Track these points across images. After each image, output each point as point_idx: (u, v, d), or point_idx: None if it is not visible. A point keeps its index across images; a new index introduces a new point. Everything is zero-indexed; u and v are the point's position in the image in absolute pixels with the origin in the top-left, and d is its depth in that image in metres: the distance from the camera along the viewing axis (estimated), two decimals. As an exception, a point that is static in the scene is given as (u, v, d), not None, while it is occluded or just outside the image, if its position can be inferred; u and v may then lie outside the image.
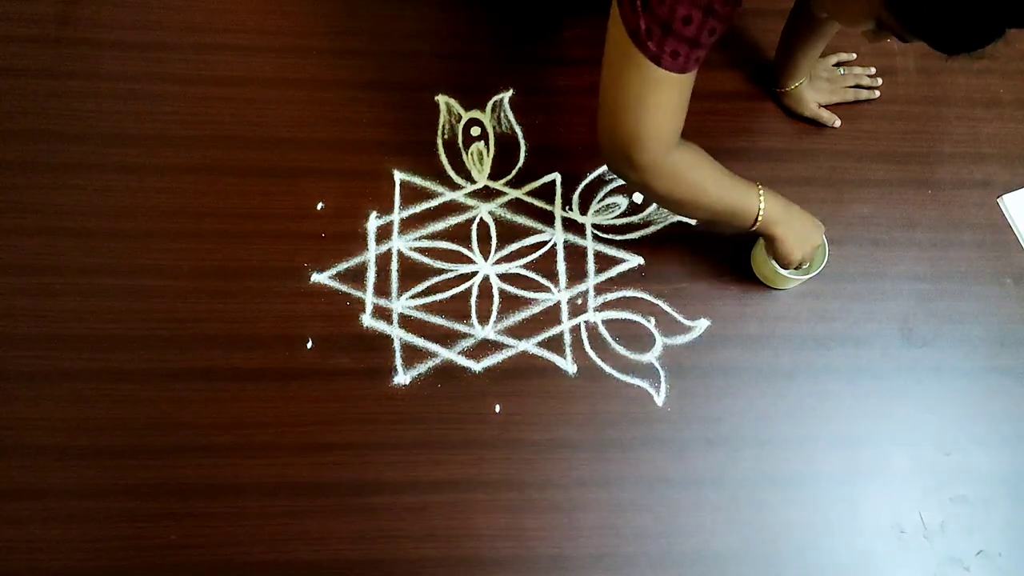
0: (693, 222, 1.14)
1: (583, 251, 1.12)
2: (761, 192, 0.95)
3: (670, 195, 0.90)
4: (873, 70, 1.22)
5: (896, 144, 1.20)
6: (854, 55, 1.23)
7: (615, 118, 0.83)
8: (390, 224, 1.11)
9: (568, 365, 1.06)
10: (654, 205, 1.14)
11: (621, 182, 1.15)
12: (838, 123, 1.19)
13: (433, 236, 1.11)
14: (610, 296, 1.09)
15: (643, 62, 0.77)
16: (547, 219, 1.13)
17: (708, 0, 0.72)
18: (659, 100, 0.80)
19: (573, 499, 1.00)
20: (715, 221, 0.96)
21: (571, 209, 1.14)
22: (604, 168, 1.16)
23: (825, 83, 1.19)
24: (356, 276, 1.08)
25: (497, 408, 1.03)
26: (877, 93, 1.21)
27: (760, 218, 0.95)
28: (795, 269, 1.08)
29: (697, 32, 0.74)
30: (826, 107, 1.19)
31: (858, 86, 1.21)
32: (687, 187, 0.90)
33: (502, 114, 1.18)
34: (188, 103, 1.16)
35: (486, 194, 1.14)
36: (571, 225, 1.13)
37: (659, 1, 0.72)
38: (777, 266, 1.04)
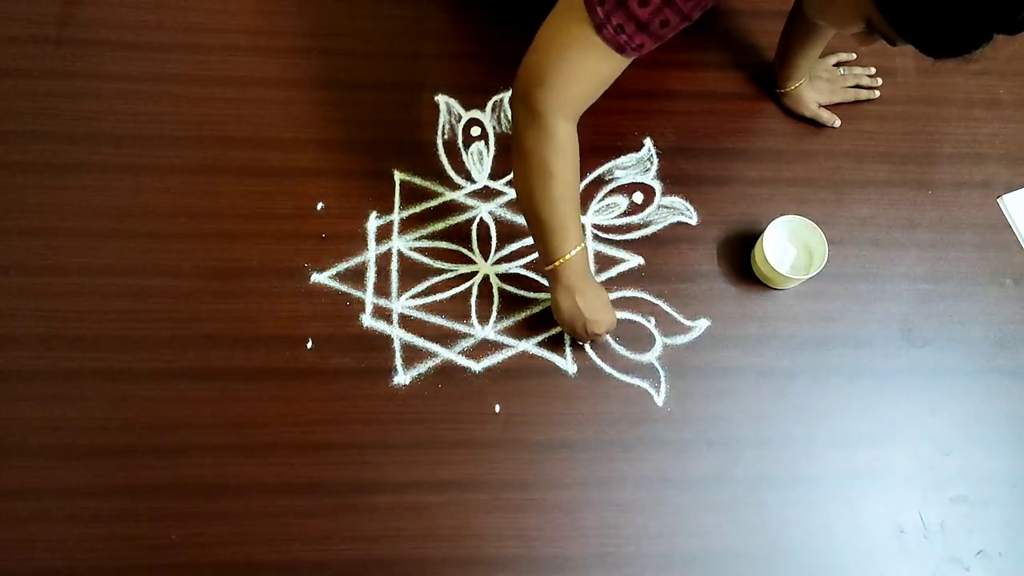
0: (694, 221, 1.14)
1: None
2: (578, 249, 0.91)
3: (530, 158, 0.86)
4: (873, 70, 1.22)
5: (896, 144, 1.20)
6: (854, 55, 1.23)
7: (537, 56, 0.83)
8: (390, 224, 1.11)
9: (568, 365, 1.06)
10: (654, 205, 1.14)
11: (621, 182, 1.15)
12: (838, 123, 1.19)
13: (433, 236, 1.11)
14: (610, 296, 1.09)
15: (585, 22, 0.76)
16: (547, 219, 1.13)
17: None
18: (582, 64, 0.80)
19: (574, 499, 1.00)
20: (531, 224, 0.93)
21: (571, 209, 1.14)
22: (604, 168, 1.16)
23: (825, 83, 1.19)
24: (356, 276, 1.08)
25: (497, 408, 1.03)
26: (877, 93, 1.21)
27: (559, 264, 0.91)
28: (791, 269, 1.08)
29: (650, 17, 0.74)
30: (826, 107, 1.19)
31: (858, 86, 1.21)
32: (546, 164, 0.85)
33: (502, 114, 1.18)
34: (188, 103, 1.16)
35: (486, 194, 1.14)
36: (571, 225, 1.13)
37: None
38: (776, 266, 1.04)
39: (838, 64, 1.22)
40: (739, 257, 1.12)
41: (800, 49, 1.10)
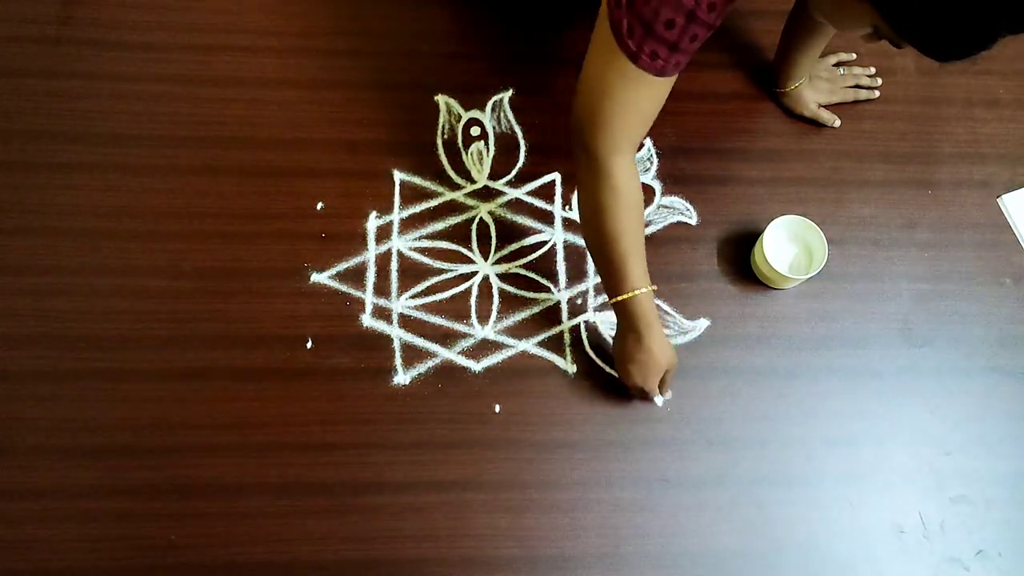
0: (694, 221, 1.14)
1: (583, 251, 1.12)
2: (643, 291, 0.90)
3: (588, 198, 0.89)
4: (873, 70, 1.22)
5: (896, 144, 1.20)
6: (854, 55, 1.23)
7: (584, 98, 0.84)
8: (390, 224, 1.11)
9: (568, 365, 1.06)
10: (654, 205, 1.14)
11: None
12: (838, 123, 1.19)
13: (433, 236, 1.11)
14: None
15: (621, 57, 0.77)
16: (547, 219, 1.13)
17: (692, 6, 0.72)
18: (629, 97, 0.81)
19: (573, 499, 1.00)
20: (593, 258, 0.95)
21: (571, 209, 1.14)
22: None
23: (825, 83, 1.19)
24: (356, 276, 1.08)
25: (497, 408, 1.03)
26: (877, 93, 1.21)
27: (620, 300, 0.91)
28: (791, 269, 1.08)
29: (678, 37, 0.75)
30: (826, 107, 1.19)
31: (858, 86, 1.21)
32: (603, 204, 0.87)
33: (502, 114, 1.18)
34: (188, 103, 1.16)
35: (486, 194, 1.14)
36: (571, 225, 1.13)
37: (644, 1, 0.72)
38: (776, 266, 1.04)
39: (838, 64, 1.22)
40: (739, 257, 1.12)
41: (801, 49, 1.09)
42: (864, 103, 1.21)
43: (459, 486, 0.99)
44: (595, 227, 0.90)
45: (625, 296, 0.91)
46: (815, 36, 1.07)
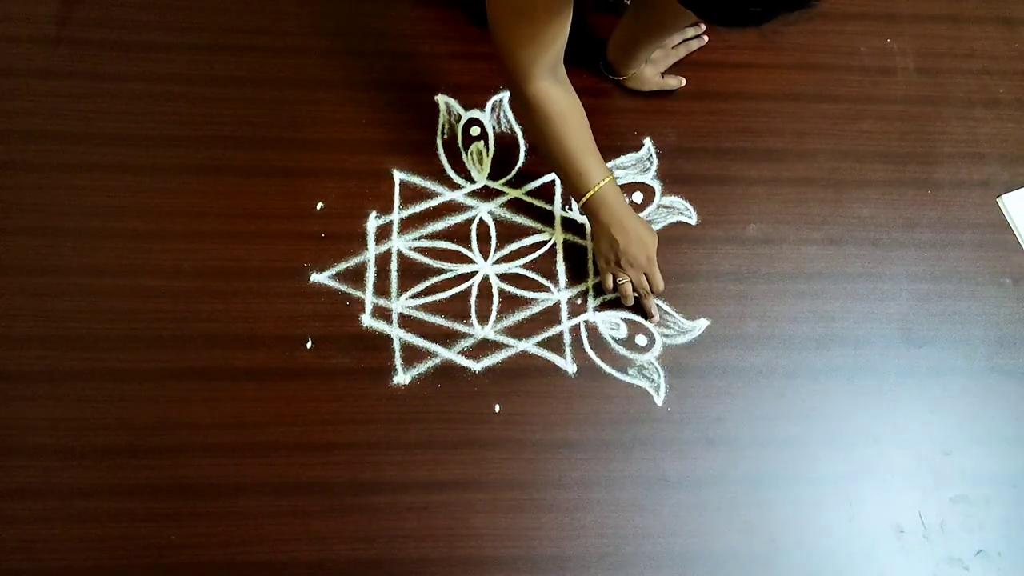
0: (693, 221, 1.14)
1: (583, 251, 1.12)
2: (604, 182, 0.97)
3: (523, 121, 1.00)
4: (700, 25, 1.20)
5: (896, 144, 1.20)
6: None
7: (492, 30, 0.89)
8: (390, 224, 1.11)
9: (568, 365, 1.06)
10: (654, 205, 1.15)
11: (621, 182, 1.15)
12: (683, 82, 1.18)
13: (433, 236, 1.11)
14: (610, 296, 1.09)
15: None
16: (547, 219, 1.13)
17: None
18: (523, 29, 0.85)
19: (573, 499, 1.00)
20: (556, 173, 1.02)
21: (571, 209, 1.14)
22: (604, 168, 1.16)
23: (659, 51, 1.17)
24: (356, 276, 1.08)
25: (497, 408, 1.03)
26: (705, 39, 1.20)
27: (587, 200, 0.98)
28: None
29: None
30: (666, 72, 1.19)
31: (686, 41, 1.19)
32: (534, 124, 0.95)
33: (502, 114, 1.18)
34: (188, 103, 1.16)
35: (486, 194, 1.14)
36: (571, 225, 1.13)
37: None
38: None
39: None
40: (739, 256, 1.12)
41: (651, 42, 1.09)
42: (864, 103, 1.21)
43: (459, 486, 0.99)
44: (540, 143, 0.97)
45: (591, 192, 0.97)
46: (667, 30, 1.08)
